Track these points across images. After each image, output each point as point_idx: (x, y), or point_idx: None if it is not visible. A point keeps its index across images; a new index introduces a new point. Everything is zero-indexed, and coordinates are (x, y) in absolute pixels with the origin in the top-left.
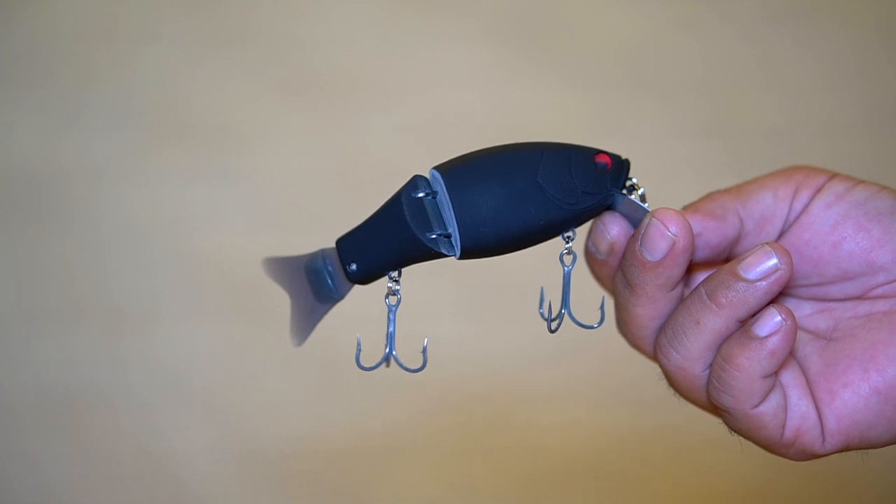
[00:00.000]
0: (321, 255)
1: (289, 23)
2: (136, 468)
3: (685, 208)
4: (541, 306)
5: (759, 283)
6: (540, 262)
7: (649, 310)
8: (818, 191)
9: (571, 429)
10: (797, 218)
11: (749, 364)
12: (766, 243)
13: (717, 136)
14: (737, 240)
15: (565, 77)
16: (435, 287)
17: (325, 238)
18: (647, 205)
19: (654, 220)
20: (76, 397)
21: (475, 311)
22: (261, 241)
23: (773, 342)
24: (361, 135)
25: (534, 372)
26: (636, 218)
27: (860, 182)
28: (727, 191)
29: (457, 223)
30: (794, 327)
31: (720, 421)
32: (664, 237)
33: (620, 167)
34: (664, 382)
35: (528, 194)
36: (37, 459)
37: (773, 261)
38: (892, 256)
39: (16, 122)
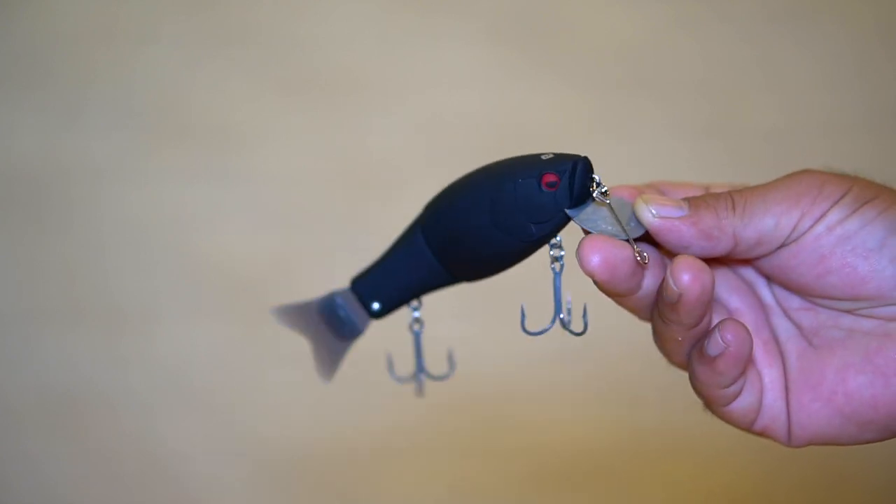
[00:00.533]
0: (334, 297)
1: (289, 23)
2: (136, 468)
3: (689, 204)
4: (523, 320)
5: (676, 305)
6: (540, 263)
7: (630, 305)
8: (817, 220)
9: (570, 429)
10: (790, 244)
11: (705, 378)
12: (674, 263)
13: (717, 136)
14: (725, 256)
15: (565, 77)
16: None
17: (325, 237)
18: (607, 203)
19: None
20: (76, 397)
21: (475, 312)
22: (261, 241)
23: (720, 364)
24: (361, 135)
25: (533, 373)
26: (598, 226)
27: (864, 205)
28: (734, 207)
29: (443, 267)
30: (741, 350)
31: (718, 420)
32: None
33: (571, 178)
34: (666, 382)
35: (489, 237)
36: (37, 459)
37: (673, 287)
38: (877, 291)
39: (16, 122)
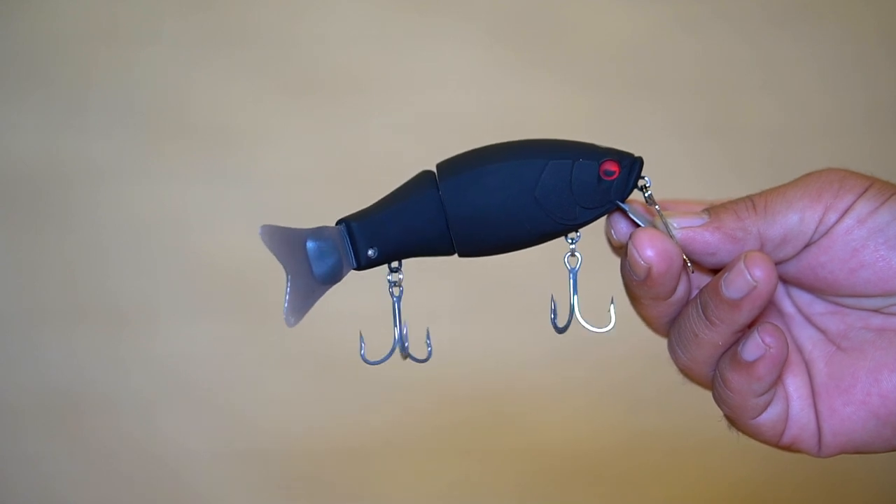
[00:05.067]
0: (328, 232)
1: (289, 23)
2: (136, 468)
3: (709, 212)
4: (553, 315)
5: (740, 301)
6: (540, 261)
7: (658, 311)
8: (844, 213)
9: (570, 429)
10: (818, 239)
11: (739, 386)
12: (746, 256)
13: (717, 136)
14: None
15: (565, 77)
16: (434, 287)
17: None
18: (655, 209)
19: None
20: (76, 397)
21: (474, 310)
22: (261, 241)
23: (760, 368)
24: (361, 135)
25: (532, 372)
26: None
27: (890, 197)
28: (754, 207)
29: (450, 231)
30: (781, 353)
31: (718, 421)
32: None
33: (630, 171)
34: (666, 383)
35: (523, 209)
36: (37, 459)
37: (748, 278)
38: None
39: (16, 122)
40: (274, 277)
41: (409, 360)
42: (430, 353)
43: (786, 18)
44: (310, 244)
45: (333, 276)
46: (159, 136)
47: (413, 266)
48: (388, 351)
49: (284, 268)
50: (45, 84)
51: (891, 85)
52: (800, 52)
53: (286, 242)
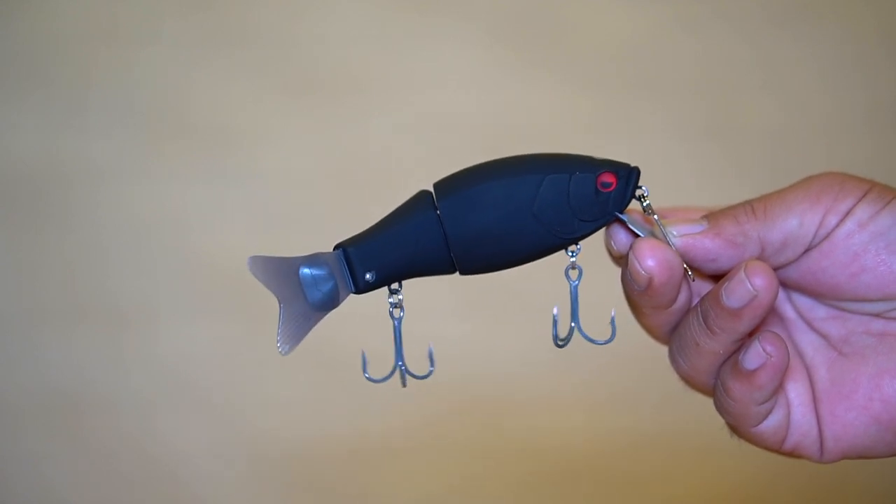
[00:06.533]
0: (322, 259)
1: (289, 23)
2: (136, 468)
3: (708, 218)
4: (555, 329)
5: (741, 310)
6: (541, 263)
7: (659, 320)
8: (844, 216)
9: (570, 432)
10: (819, 243)
11: (741, 395)
12: (746, 265)
13: (717, 136)
14: None
15: (565, 77)
16: (434, 289)
17: (325, 237)
18: (654, 218)
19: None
20: (76, 397)
21: (474, 312)
22: (261, 241)
23: (761, 377)
24: (361, 135)
25: (533, 374)
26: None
27: (890, 201)
28: (753, 212)
29: (451, 250)
30: (782, 361)
31: (719, 425)
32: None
33: (627, 182)
34: (667, 384)
35: (522, 225)
36: (37, 459)
37: (749, 287)
38: None
39: (16, 122)
40: None
41: (410, 379)
42: (430, 372)
43: (786, 18)
44: (303, 271)
45: (328, 303)
46: (159, 136)
47: None
48: (389, 371)
49: (276, 296)
50: (45, 84)
51: (891, 85)
52: (800, 52)
53: (277, 271)
